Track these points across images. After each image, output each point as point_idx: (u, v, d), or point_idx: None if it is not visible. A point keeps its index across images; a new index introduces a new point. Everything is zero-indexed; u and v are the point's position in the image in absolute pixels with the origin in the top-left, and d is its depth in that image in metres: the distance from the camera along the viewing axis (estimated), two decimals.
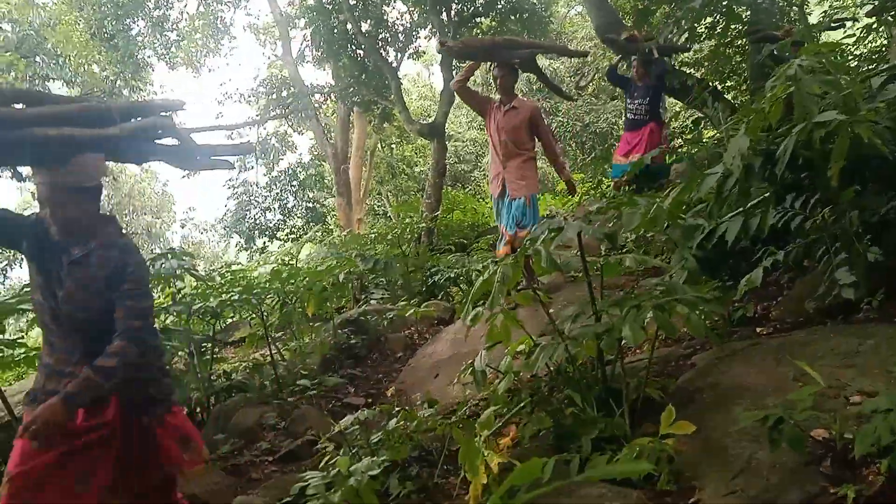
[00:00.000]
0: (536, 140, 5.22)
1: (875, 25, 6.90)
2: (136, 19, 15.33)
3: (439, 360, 4.88)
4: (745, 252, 3.46)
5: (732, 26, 7.41)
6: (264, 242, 15.92)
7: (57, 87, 17.39)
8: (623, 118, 7.19)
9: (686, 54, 10.28)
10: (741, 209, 3.16)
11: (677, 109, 13.19)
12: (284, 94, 15.48)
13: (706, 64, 8.86)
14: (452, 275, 7.79)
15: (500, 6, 12.19)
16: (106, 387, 2.01)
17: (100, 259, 2.13)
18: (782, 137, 2.85)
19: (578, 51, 9.28)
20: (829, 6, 9.25)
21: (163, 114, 2.09)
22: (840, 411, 1.97)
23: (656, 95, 6.88)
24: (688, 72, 8.67)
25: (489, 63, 5.81)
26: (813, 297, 2.93)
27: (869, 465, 1.80)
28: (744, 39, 8.22)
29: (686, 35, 7.09)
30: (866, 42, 7.07)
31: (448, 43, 5.86)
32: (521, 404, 2.80)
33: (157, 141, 2.09)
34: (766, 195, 3.22)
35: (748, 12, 6.77)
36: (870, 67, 4.20)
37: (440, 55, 12.13)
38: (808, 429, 1.88)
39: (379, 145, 20.49)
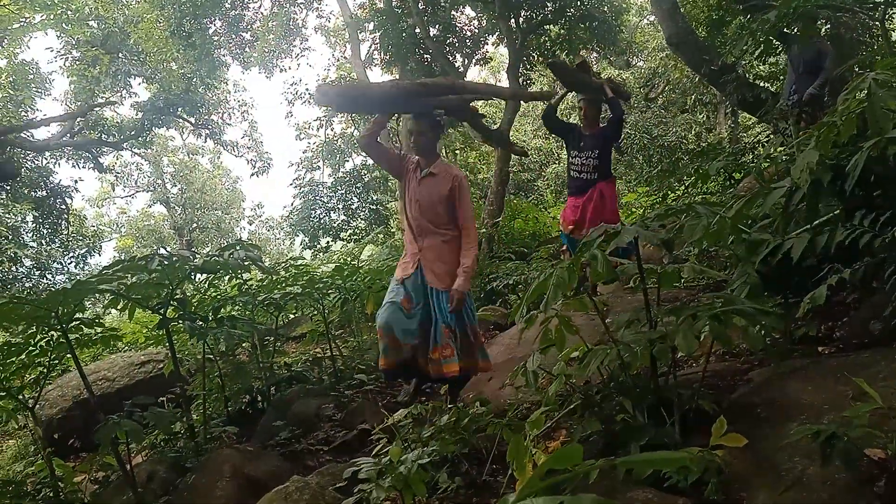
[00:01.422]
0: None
1: None
2: (213, 19, 15.95)
3: (494, 363, 4.92)
4: (811, 270, 3.38)
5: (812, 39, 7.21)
6: (328, 242, 16.29)
7: (137, 84, 18.26)
8: (567, 175, 5.89)
9: (761, 67, 10.05)
10: (808, 225, 3.11)
11: (750, 124, 12.87)
12: None
13: (782, 77, 8.63)
14: (511, 282, 7.84)
15: (569, 13, 12.15)
16: None
17: None
18: (853, 153, 2.79)
19: (532, 93, 7.71)
20: None
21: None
22: None
23: (607, 147, 5.63)
24: (762, 85, 8.48)
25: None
26: (879, 319, 2.86)
27: None
28: None
29: (761, 48, 6.92)
30: None
31: (323, 87, 4.81)
32: (572, 408, 2.82)
33: None
34: (836, 212, 3.16)
35: (827, 25, 6.58)
36: None
37: (508, 60, 12.21)
38: (863, 447, 1.86)
39: (443, 150, 20.68)
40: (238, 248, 4.34)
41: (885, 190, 2.90)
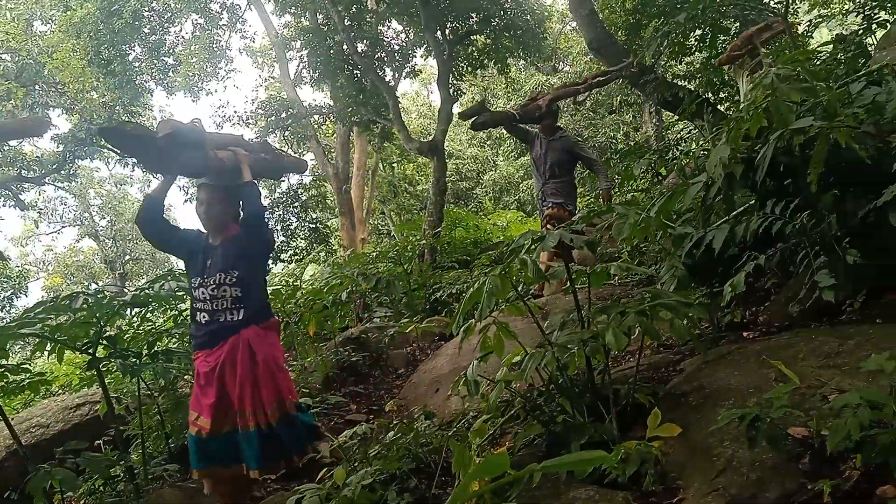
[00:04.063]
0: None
1: (860, 33, 7.01)
2: (132, 45, 15.55)
3: (439, 374, 4.93)
4: (735, 259, 3.52)
5: (722, 38, 7.52)
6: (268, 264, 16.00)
7: (56, 115, 17.63)
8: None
9: (679, 67, 10.40)
10: (727, 217, 3.23)
11: (674, 122, 13.31)
12: (283, 115, 15.66)
13: (698, 76, 8.97)
14: (454, 291, 7.87)
15: (494, 23, 12.34)
16: None
17: None
18: (762, 145, 2.92)
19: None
20: (816, 15, 9.37)
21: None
22: (818, 409, 2.02)
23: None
24: (680, 84, 8.79)
25: None
26: (797, 301, 2.99)
27: (846, 460, 1.85)
28: None
29: (676, 48, 7.18)
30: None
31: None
32: (514, 413, 2.85)
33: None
34: (751, 203, 3.30)
35: (736, 24, 6.87)
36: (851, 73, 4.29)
37: (437, 71, 12.31)
38: (786, 427, 1.94)
39: (380, 164, 20.67)
40: (169, 278, 4.24)
41: (794, 179, 3.04)
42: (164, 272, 4.41)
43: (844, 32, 6.89)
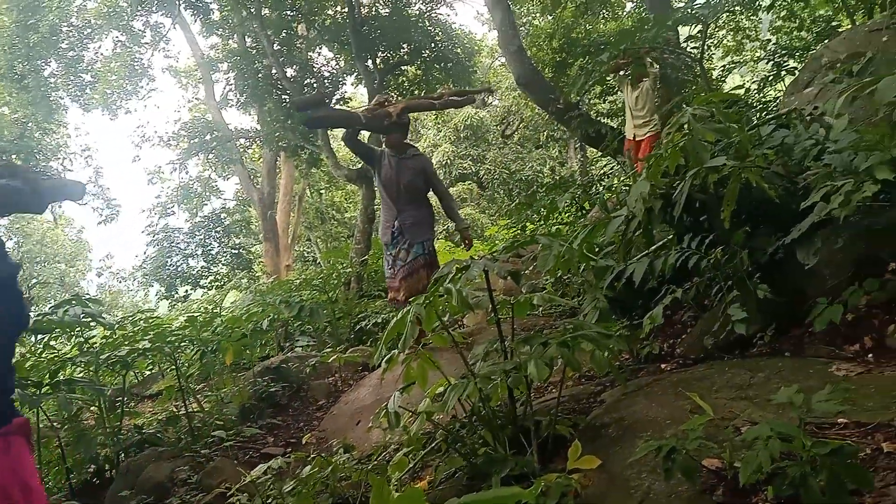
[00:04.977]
0: None
1: (770, 79, 7.47)
2: (48, 60, 14.91)
3: (361, 406, 4.82)
4: (654, 292, 3.61)
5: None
6: (187, 291, 15.47)
7: None
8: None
9: (602, 104, 10.78)
10: (647, 251, 3.32)
11: (598, 157, 13.73)
12: (208, 137, 15.30)
13: (621, 115, 9.30)
14: (380, 320, 7.77)
15: (425, 55, 12.49)
16: None
17: None
18: (680, 182, 3.02)
19: None
20: (730, 61, 9.93)
21: None
22: (731, 441, 2.06)
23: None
24: (603, 121, 9.09)
25: None
26: (711, 334, 3.08)
27: (757, 491, 1.88)
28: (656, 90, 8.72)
29: (601, 86, 7.43)
30: (762, 92, 7.63)
31: None
32: (435, 445, 2.80)
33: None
34: (669, 237, 3.40)
35: (655, 66, 7.19)
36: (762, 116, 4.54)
37: (368, 101, 12.32)
38: (701, 458, 1.96)
39: (307, 191, 20.41)
40: (74, 303, 4.01)
41: (709, 215, 3.16)
42: (70, 297, 4.18)
43: (756, 78, 7.33)
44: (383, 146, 5.15)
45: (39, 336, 4.55)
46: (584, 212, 7.82)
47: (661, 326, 3.35)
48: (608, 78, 7.30)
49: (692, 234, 3.06)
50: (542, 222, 8.70)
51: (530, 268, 5.53)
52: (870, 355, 2.52)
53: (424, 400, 3.04)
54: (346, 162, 17.06)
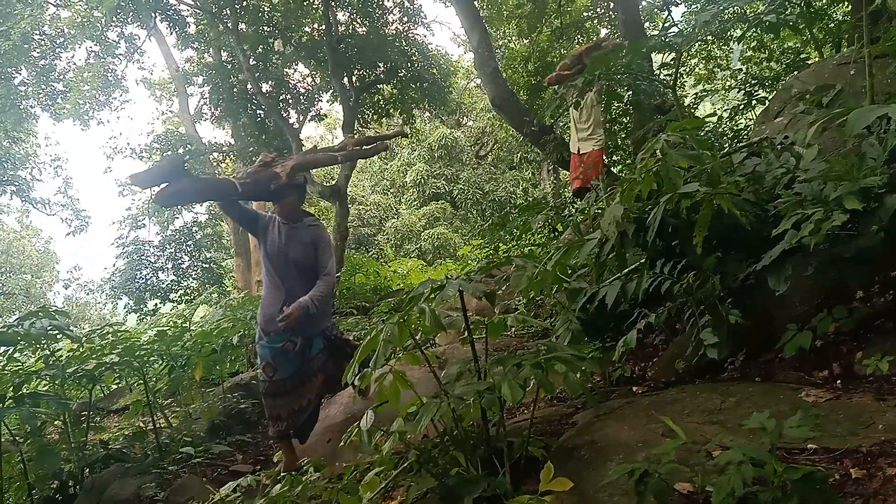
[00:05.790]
0: None
1: (741, 108, 7.64)
2: (18, 68, 14.67)
3: (332, 423, 4.77)
4: (626, 315, 3.64)
5: (615, 104, 7.97)
6: (156, 304, 15.21)
7: None
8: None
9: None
10: (619, 274, 3.36)
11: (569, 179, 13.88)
12: (181, 150, 15.14)
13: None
14: (353, 337, 7.72)
15: (401, 74, 12.57)
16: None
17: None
18: (653, 206, 3.07)
19: None
20: (702, 90, 10.15)
21: None
22: (703, 465, 2.08)
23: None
24: None
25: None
26: (682, 358, 3.12)
27: None
28: (628, 117, 8.87)
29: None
30: (734, 120, 7.81)
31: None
32: (407, 465, 2.78)
33: None
34: (642, 261, 3.45)
35: (629, 92, 7.31)
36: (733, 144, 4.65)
37: (343, 118, 12.33)
38: (673, 482, 1.98)
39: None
40: (40, 315, 3.92)
41: (681, 240, 3.21)
42: (36, 308, 4.08)
43: (727, 106, 7.50)
44: (272, 211, 4.33)
45: (3, 348, 4.44)
46: (556, 233, 7.89)
47: (632, 349, 3.38)
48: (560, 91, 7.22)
49: (665, 259, 3.10)
50: (515, 243, 8.75)
51: (503, 288, 5.56)
52: (838, 381, 2.57)
53: (396, 419, 3.02)
54: (319, 179, 17.01)
